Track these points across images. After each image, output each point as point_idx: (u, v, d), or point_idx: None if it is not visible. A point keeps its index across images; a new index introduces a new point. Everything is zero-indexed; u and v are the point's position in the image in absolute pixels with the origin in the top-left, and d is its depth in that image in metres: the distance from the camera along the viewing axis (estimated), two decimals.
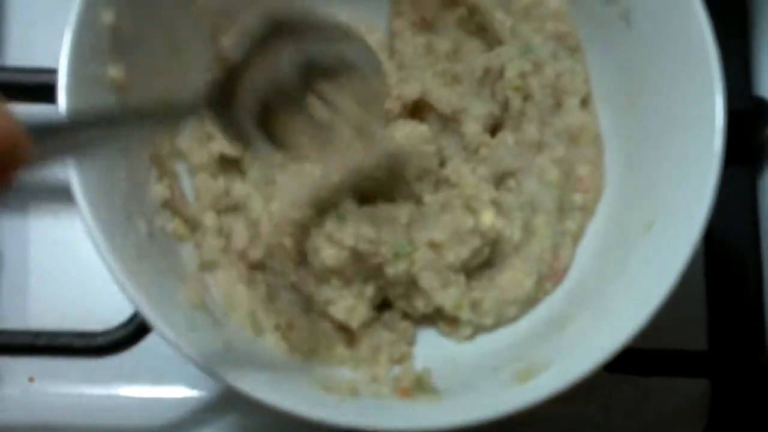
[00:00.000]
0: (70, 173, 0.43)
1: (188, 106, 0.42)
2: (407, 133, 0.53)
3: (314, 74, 0.45)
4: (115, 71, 0.46)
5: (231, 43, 0.47)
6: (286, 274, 0.52)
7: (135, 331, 0.53)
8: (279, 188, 0.53)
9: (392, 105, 0.54)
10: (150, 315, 0.42)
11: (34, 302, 0.59)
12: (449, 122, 0.55)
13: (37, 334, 0.54)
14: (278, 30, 0.43)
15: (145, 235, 0.47)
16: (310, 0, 0.55)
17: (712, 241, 0.60)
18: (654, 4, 0.49)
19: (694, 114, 0.46)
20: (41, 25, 0.63)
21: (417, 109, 0.56)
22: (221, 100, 0.42)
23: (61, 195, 0.57)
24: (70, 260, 0.59)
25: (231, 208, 0.53)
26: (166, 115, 0.42)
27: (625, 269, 0.48)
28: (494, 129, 0.56)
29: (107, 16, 0.45)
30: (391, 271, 0.50)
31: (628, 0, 0.50)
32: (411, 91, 0.55)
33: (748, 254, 0.61)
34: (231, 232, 0.53)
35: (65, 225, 0.60)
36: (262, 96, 0.44)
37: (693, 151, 0.46)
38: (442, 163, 0.55)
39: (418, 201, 0.53)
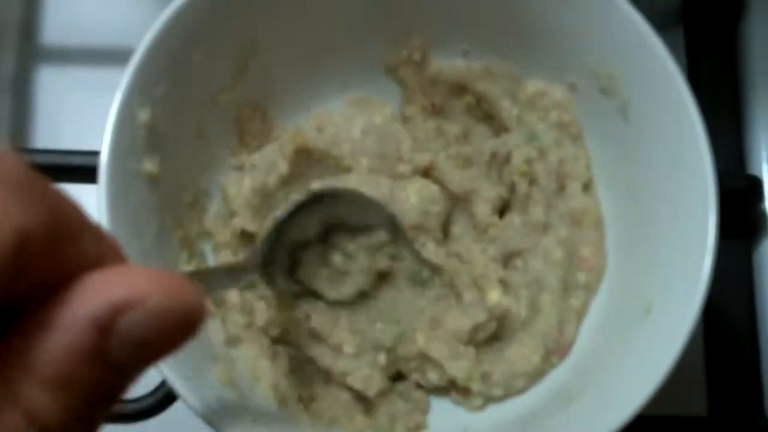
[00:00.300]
0: None
1: (250, 265, 0.50)
2: (419, 189, 0.56)
3: (336, 230, 0.54)
4: (149, 165, 0.49)
5: (280, 209, 0.54)
6: (303, 348, 0.55)
7: (163, 398, 0.55)
8: None
9: (404, 168, 0.58)
10: (186, 395, 0.45)
11: None
12: (459, 202, 0.59)
13: None
14: (316, 198, 0.52)
15: None
16: (327, 84, 0.60)
17: (710, 311, 0.63)
18: (649, 101, 0.52)
19: (688, 207, 0.49)
20: (69, 108, 0.67)
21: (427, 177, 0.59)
22: (267, 258, 0.51)
23: None
24: None
25: (251, 284, 0.56)
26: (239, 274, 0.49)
27: (626, 348, 0.51)
28: (502, 210, 0.59)
29: (143, 116, 0.48)
30: (400, 350, 0.54)
31: (625, 95, 0.53)
32: (421, 159, 0.58)
33: (744, 323, 0.64)
34: (253, 309, 0.55)
35: None
36: (293, 249, 0.53)
37: (687, 242, 0.49)
38: (445, 232, 0.58)
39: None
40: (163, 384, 0.55)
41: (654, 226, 0.53)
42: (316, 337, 0.54)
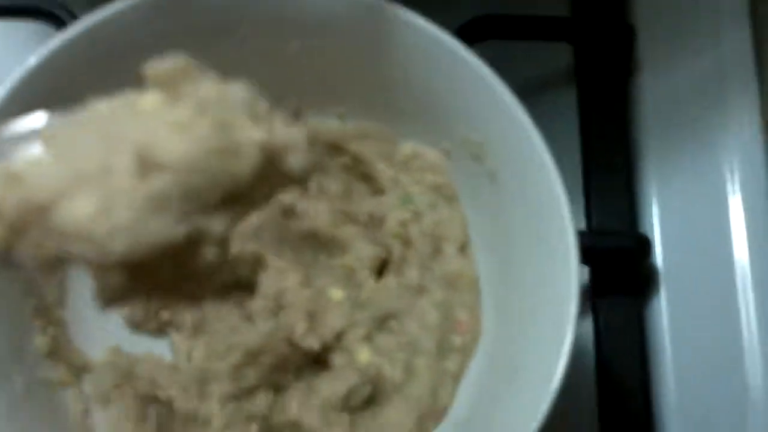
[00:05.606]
0: None
1: None
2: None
3: None
4: None
5: None
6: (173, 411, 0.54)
7: None
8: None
9: None
10: None
11: None
12: (329, 248, 0.58)
13: None
14: None
15: (21, 390, 0.48)
16: None
17: (603, 367, 0.63)
18: (515, 168, 0.52)
19: (551, 272, 0.49)
20: None
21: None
22: None
23: None
24: None
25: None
26: None
27: (495, 414, 0.51)
28: (380, 271, 0.58)
29: None
30: (274, 419, 0.53)
31: (493, 162, 0.53)
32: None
33: (635, 378, 0.63)
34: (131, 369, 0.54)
35: None
36: None
37: (551, 311, 0.48)
38: None
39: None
40: None
41: (522, 290, 0.53)
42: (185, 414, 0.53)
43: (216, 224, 0.31)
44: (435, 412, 0.55)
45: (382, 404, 0.55)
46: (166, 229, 0.30)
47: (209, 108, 0.31)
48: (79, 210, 0.30)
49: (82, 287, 0.55)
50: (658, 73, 0.68)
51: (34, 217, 0.30)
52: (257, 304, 0.54)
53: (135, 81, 0.33)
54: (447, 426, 0.55)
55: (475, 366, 0.56)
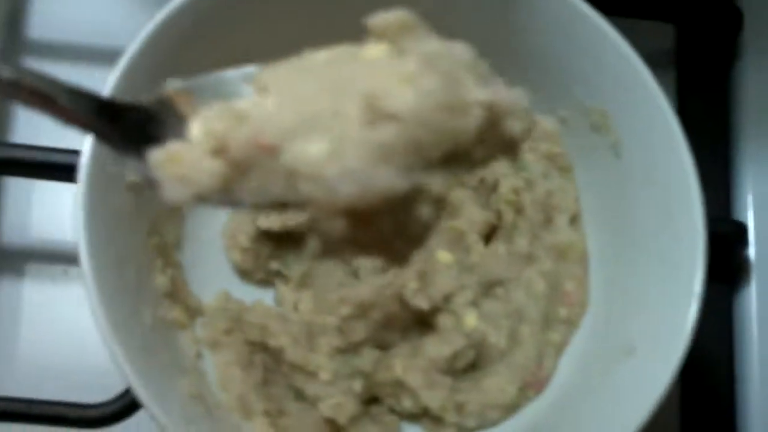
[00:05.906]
0: (83, 262, 0.44)
1: None
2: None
3: None
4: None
5: None
6: (280, 362, 0.54)
7: (127, 406, 0.54)
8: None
9: None
10: (150, 404, 0.43)
11: (23, 369, 0.59)
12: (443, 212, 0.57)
13: (32, 403, 0.54)
14: None
15: (149, 326, 0.48)
16: None
17: (689, 355, 0.62)
18: (641, 141, 0.51)
19: (676, 252, 0.49)
20: None
21: None
22: None
23: (59, 260, 0.60)
24: (61, 327, 0.59)
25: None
26: None
27: (604, 389, 0.51)
28: (488, 237, 0.58)
29: None
30: (378, 376, 0.53)
31: (616, 133, 0.53)
32: None
33: (723, 368, 0.63)
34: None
35: (60, 290, 0.60)
36: None
37: (673, 287, 0.48)
38: None
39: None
40: (127, 392, 0.54)
41: (640, 267, 0.52)
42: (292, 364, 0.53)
43: (435, 182, 0.31)
44: (537, 381, 0.55)
45: (486, 370, 0.55)
46: (390, 180, 0.29)
47: (436, 63, 0.31)
48: (311, 151, 0.30)
49: (197, 233, 0.56)
50: (763, 61, 0.67)
51: (260, 156, 0.31)
52: (365, 260, 0.54)
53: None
54: (546, 396, 0.55)
55: (578, 339, 0.56)
